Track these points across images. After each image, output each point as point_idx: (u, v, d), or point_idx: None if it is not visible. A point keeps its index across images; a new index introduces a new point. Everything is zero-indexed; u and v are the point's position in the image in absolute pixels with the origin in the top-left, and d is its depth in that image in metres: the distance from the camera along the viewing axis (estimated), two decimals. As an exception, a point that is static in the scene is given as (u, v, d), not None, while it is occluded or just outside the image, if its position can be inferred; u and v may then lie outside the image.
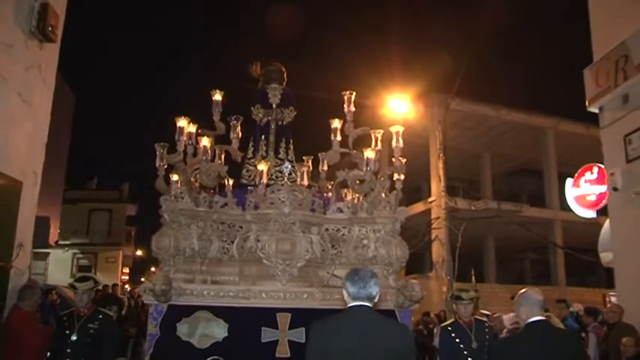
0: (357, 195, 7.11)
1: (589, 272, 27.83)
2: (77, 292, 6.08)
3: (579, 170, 13.88)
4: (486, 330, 6.18)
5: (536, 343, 3.93)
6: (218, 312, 6.25)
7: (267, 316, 6.20)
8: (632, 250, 9.15)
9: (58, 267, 30.15)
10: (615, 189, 9.46)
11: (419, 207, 22.84)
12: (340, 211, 6.75)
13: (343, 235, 6.72)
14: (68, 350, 5.84)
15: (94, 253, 34.45)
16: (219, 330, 6.22)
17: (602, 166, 10.87)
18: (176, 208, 6.47)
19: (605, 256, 10.71)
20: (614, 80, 9.25)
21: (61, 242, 27.99)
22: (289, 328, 6.17)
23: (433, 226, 21.26)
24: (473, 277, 17.16)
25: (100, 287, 10.84)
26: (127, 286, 27.03)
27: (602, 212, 12.06)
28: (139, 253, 42.09)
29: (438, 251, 21.03)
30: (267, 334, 6.16)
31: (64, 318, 6.07)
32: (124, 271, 37.54)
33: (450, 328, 6.22)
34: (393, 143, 6.80)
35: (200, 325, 6.27)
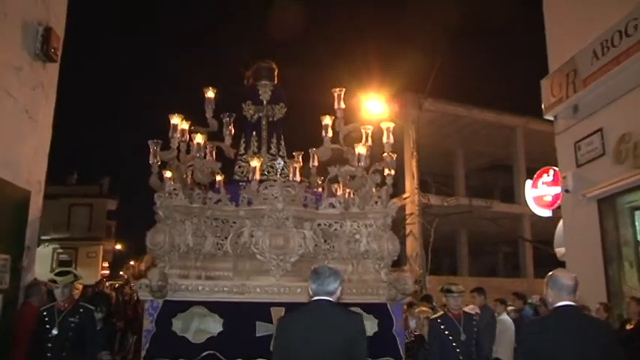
0: (348, 190, 7.01)
1: (557, 264, 28.13)
2: (58, 285, 5.90)
3: (537, 173, 14.30)
4: (474, 323, 6.19)
5: (564, 329, 3.66)
6: (213, 307, 6.13)
7: (261, 310, 6.09)
8: (581, 246, 9.69)
9: (39, 262, 29.37)
10: (567, 191, 10.02)
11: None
12: (332, 206, 6.64)
13: (335, 230, 6.61)
14: (49, 344, 5.70)
15: (74, 248, 33.84)
16: (214, 325, 6.11)
17: (558, 169, 11.30)
18: (170, 205, 6.30)
19: (559, 251, 11.29)
20: (565, 91, 9.84)
21: (41, 237, 27.41)
22: (284, 322, 6.06)
23: (407, 221, 21.32)
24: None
25: (84, 283, 10.61)
26: (114, 282, 26.58)
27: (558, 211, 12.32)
28: (118, 247, 41.55)
29: (412, 245, 21.09)
30: (261, 329, 6.05)
31: (44, 313, 5.89)
32: (104, 265, 36.97)
33: (439, 321, 6.22)
34: (384, 139, 6.71)
35: (195, 320, 6.16)
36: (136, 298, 15.92)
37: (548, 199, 13.52)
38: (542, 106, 10.79)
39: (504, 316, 9.42)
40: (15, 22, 7.60)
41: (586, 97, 9.51)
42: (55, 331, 5.74)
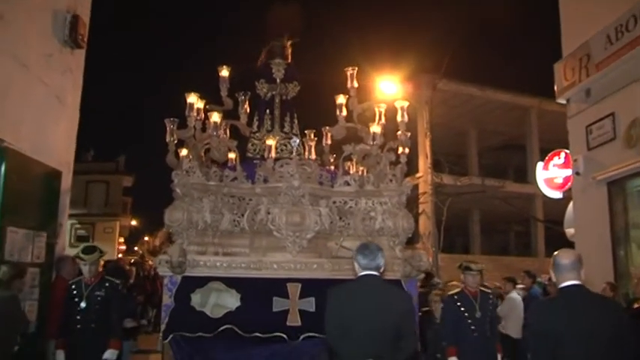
0: (362, 168, 7.01)
1: (568, 244, 28.01)
2: (85, 263, 6.01)
3: (549, 155, 14.36)
4: (490, 301, 6.19)
5: (572, 309, 3.64)
6: (230, 283, 6.19)
7: (277, 286, 6.15)
8: (590, 227, 9.77)
9: (58, 237, 29.84)
10: (578, 173, 10.06)
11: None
12: (347, 184, 6.65)
13: (351, 207, 6.63)
14: (78, 317, 5.86)
15: (91, 224, 34.08)
16: (231, 300, 6.16)
17: (569, 151, 11.34)
18: (188, 183, 6.35)
19: (569, 232, 11.45)
20: (578, 76, 9.85)
21: (62, 214, 27.63)
22: (299, 298, 6.12)
23: (420, 200, 21.29)
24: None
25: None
26: (130, 257, 26.80)
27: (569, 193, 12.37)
28: (133, 223, 41.84)
29: (425, 224, 21.07)
30: (278, 304, 6.10)
31: (72, 286, 6.05)
32: (120, 240, 37.28)
33: (455, 297, 6.22)
34: (398, 117, 6.70)
35: (213, 295, 6.21)
36: (153, 273, 16.15)
37: (559, 181, 13.62)
38: (555, 89, 10.79)
39: (514, 294, 9.50)
40: (46, 11, 7.86)
41: (598, 81, 9.50)
42: (83, 304, 5.88)
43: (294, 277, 6.17)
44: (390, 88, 18.24)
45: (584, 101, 10.02)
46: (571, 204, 11.23)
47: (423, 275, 6.44)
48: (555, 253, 3.90)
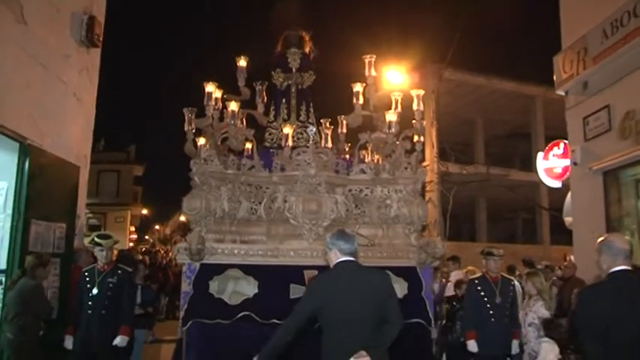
0: (377, 157, 6.96)
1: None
2: (103, 248, 6.08)
3: (549, 145, 14.55)
4: (511, 287, 6.15)
5: (624, 293, 3.53)
6: (248, 270, 6.19)
7: (294, 273, 6.13)
8: (587, 215, 10.01)
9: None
10: (575, 163, 10.33)
11: (414, 170, 22.77)
12: (363, 172, 6.61)
13: (366, 195, 6.59)
14: (90, 303, 5.92)
15: (103, 213, 34.07)
16: (249, 287, 6.17)
17: (567, 142, 11.53)
18: (206, 171, 6.33)
19: (568, 220, 11.69)
20: (576, 68, 10.05)
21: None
22: (317, 285, 6.08)
23: (427, 189, 21.22)
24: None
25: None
26: (141, 246, 26.89)
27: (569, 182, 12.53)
28: (144, 212, 41.91)
29: (431, 212, 20.98)
30: (295, 291, 6.08)
31: (85, 273, 6.12)
32: (131, 229, 37.35)
33: (476, 282, 6.20)
34: (414, 106, 6.64)
35: (231, 282, 6.23)
36: (165, 262, 16.23)
37: (559, 170, 13.70)
38: (555, 81, 10.95)
39: (514, 282, 9.49)
40: (64, 13, 8.14)
41: (595, 74, 9.65)
42: (95, 291, 5.94)
43: (311, 264, 6.12)
44: (396, 78, 18.21)
45: (581, 93, 10.23)
46: (569, 194, 11.45)
47: (438, 262, 6.38)
48: (606, 236, 3.80)
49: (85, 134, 9.03)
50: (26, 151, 6.97)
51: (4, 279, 6.73)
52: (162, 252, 20.88)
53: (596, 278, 7.43)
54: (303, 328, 3.99)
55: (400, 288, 6.08)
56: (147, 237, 44.99)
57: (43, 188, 7.17)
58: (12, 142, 6.89)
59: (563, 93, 10.84)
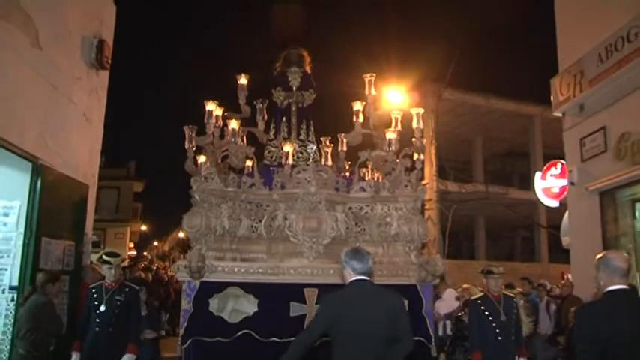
0: (377, 175, 6.96)
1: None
2: (111, 266, 6.05)
3: (546, 165, 14.67)
4: (514, 304, 6.09)
5: (620, 311, 3.49)
6: (248, 288, 6.16)
7: (295, 291, 6.11)
8: (584, 235, 10.05)
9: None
10: (572, 184, 10.43)
11: (413, 189, 22.78)
12: (363, 190, 6.60)
13: (366, 213, 6.58)
14: (97, 320, 5.87)
15: (102, 229, 33.80)
16: (249, 305, 6.14)
17: (565, 162, 11.64)
18: (206, 189, 6.33)
19: (565, 240, 11.73)
20: (572, 91, 10.21)
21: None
22: (316, 303, 6.02)
23: (426, 207, 21.21)
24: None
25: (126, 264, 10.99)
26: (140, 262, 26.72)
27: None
28: (143, 228, 41.79)
29: (430, 231, 20.96)
30: (295, 309, 6.06)
31: (93, 290, 6.07)
32: (130, 245, 37.19)
33: (479, 302, 6.13)
34: (414, 124, 6.65)
35: (231, 300, 6.20)
36: (166, 279, 16.15)
37: (556, 190, 13.80)
38: (552, 103, 11.08)
39: (516, 299, 9.53)
40: (76, 37, 8.47)
41: (591, 97, 9.80)
42: (102, 308, 5.88)
43: (311, 282, 6.11)
44: (396, 97, 18.27)
45: (578, 115, 10.34)
46: (567, 213, 11.48)
47: (438, 280, 6.34)
48: (604, 253, 3.75)
49: (93, 154, 9.29)
50: (39, 170, 7.17)
51: (16, 295, 6.91)
52: (161, 268, 20.76)
53: (593, 296, 7.45)
54: (314, 343, 3.97)
55: (401, 306, 6.07)
56: (145, 253, 44.77)
57: (53, 207, 7.37)
58: (25, 162, 7.11)
59: (560, 114, 10.95)
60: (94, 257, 7.19)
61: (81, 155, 8.73)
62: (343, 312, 3.88)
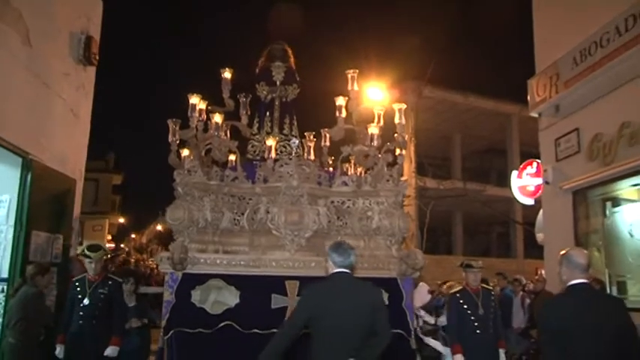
0: (359, 169, 7.00)
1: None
2: (91, 260, 6.05)
3: (522, 164, 15.05)
4: (492, 298, 6.18)
5: (580, 307, 3.70)
6: (230, 280, 6.15)
7: (276, 283, 6.12)
8: (558, 232, 10.24)
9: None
10: (547, 182, 10.58)
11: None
12: (345, 184, 6.63)
13: (348, 207, 6.61)
14: (80, 313, 5.90)
15: (81, 222, 33.49)
16: (231, 297, 6.13)
17: (540, 162, 11.84)
18: (189, 182, 6.31)
19: (539, 236, 11.94)
20: (548, 92, 10.35)
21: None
22: (298, 295, 6.03)
23: (404, 203, 21.32)
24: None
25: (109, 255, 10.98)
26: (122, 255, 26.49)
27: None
28: (121, 220, 41.43)
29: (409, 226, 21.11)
30: (276, 301, 6.07)
31: (76, 283, 6.09)
32: (108, 238, 36.81)
33: (458, 295, 6.22)
34: (396, 119, 6.70)
35: (213, 292, 6.18)
36: (149, 271, 16.12)
37: (531, 188, 14.14)
38: (529, 104, 11.23)
39: (494, 292, 9.75)
40: (64, 33, 8.55)
41: (566, 98, 9.96)
42: (86, 301, 5.92)
43: (293, 274, 6.12)
44: (376, 94, 18.34)
45: (553, 116, 10.49)
46: (541, 211, 11.68)
47: (418, 273, 6.40)
48: (567, 251, 3.92)
49: (80, 148, 9.44)
50: (29, 165, 7.32)
51: (6, 287, 7.06)
52: (140, 261, 20.65)
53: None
54: (297, 335, 3.99)
55: (381, 299, 6.13)
56: (122, 245, 44.36)
57: (42, 200, 7.55)
58: (15, 156, 7.25)
59: (536, 115, 11.12)
60: (78, 251, 7.16)
61: (68, 150, 8.84)
62: (323, 304, 3.94)
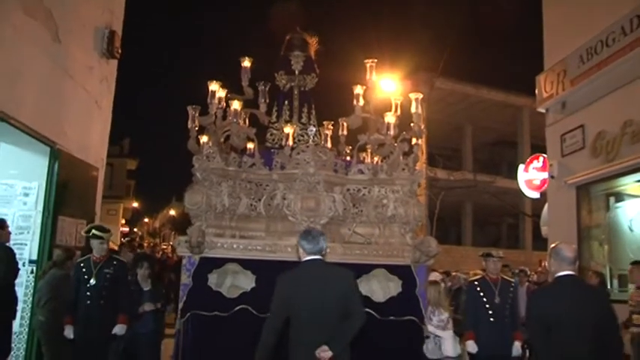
0: (376, 158, 6.99)
1: (554, 238, 28.06)
2: (103, 241, 6.06)
3: (529, 158, 15.00)
4: (511, 289, 6.13)
5: (565, 296, 3.91)
6: (246, 264, 6.18)
7: (291, 268, 6.11)
8: (562, 225, 10.41)
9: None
10: (552, 177, 10.76)
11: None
12: (361, 172, 6.62)
13: (364, 195, 6.60)
14: (88, 293, 5.88)
15: (97, 206, 33.67)
16: (247, 281, 6.18)
17: (546, 156, 11.99)
18: (208, 167, 6.33)
19: (545, 229, 12.13)
20: (556, 89, 10.46)
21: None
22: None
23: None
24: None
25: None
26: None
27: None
28: (135, 205, 41.66)
29: (419, 216, 21.07)
30: (291, 285, 6.07)
31: (81, 264, 6.06)
32: (122, 222, 37.02)
33: (476, 283, 6.19)
34: (412, 109, 6.68)
35: (229, 276, 6.23)
36: (165, 256, 16.24)
37: (537, 182, 14.06)
38: (537, 99, 11.36)
39: (514, 283, 9.73)
40: (89, 28, 8.86)
41: (572, 95, 10.05)
42: (92, 281, 5.89)
43: (308, 259, 6.13)
44: (389, 86, 18.29)
45: (560, 112, 10.61)
46: (546, 205, 11.86)
47: (432, 261, 6.39)
48: (556, 244, 4.12)
49: (102, 138, 9.74)
50: (56, 154, 7.64)
51: (35, 268, 7.41)
52: (149, 245, 20.77)
53: (589, 278, 7.65)
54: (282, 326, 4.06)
55: (395, 286, 6.14)
56: (135, 229, 44.52)
57: (68, 188, 7.88)
58: (44, 146, 7.55)
59: (544, 110, 11.23)
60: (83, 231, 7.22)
61: (92, 139, 9.19)
62: (295, 290, 4.04)
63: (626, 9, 8.52)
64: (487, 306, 5.94)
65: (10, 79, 6.66)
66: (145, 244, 20.54)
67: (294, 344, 4.01)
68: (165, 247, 22.88)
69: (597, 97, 9.33)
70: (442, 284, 8.26)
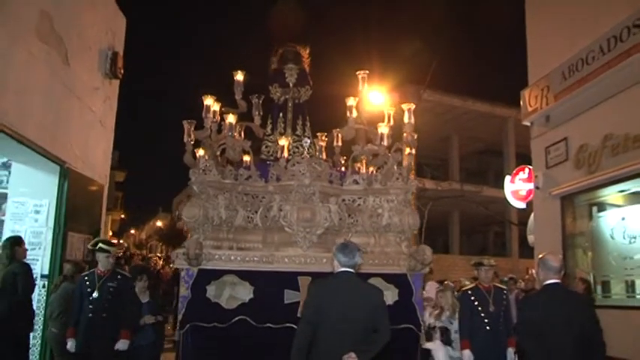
0: (370, 168, 7.03)
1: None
2: (109, 255, 6.08)
3: (515, 170, 15.37)
4: (504, 297, 6.18)
5: (551, 303, 4.15)
6: (244, 275, 6.19)
7: (289, 279, 6.15)
8: (547, 234, 10.54)
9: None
10: (537, 188, 10.88)
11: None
12: (356, 182, 6.65)
13: (359, 205, 6.63)
14: (90, 306, 5.88)
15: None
16: (245, 292, 6.17)
17: (532, 167, 12.12)
18: (204, 180, 6.35)
19: (530, 238, 12.24)
20: (540, 103, 10.65)
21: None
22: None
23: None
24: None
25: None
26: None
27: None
28: (122, 216, 41.43)
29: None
30: (289, 296, 6.11)
31: (85, 277, 6.10)
32: (110, 234, 36.69)
33: (469, 292, 6.23)
34: (405, 119, 6.74)
35: (227, 287, 6.22)
36: (159, 268, 16.14)
37: (523, 193, 14.36)
38: (522, 112, 11.51)
39: (507, 291, 9.86)
40: (94, 51, 9.16)
41: (556, 110, 10.24)
42: (95, 294, 5.89)
43: (305, 270, 6.15)
44: (377, 98, 18.40)
45: (544, 125, 10.76)
46: (532, 215, 11.97)
47: (427, 269, 6.43)
48: (543, 255, 4.39)
49: (106, 155, 10.05)
50: (65, 173, 7.94)
51: (46, 283, 7.66)
52: (143, 256, 20.62)
53: (575, 285, 7.78)
54: (313, 330, 4.06)
55: (391, 294, 6.15)
56: (121, 241, 44.18)
57: (76, 204, 8.16)
58: (54, 165, 7.81)
59: (529, 124, 11.42)
60: (89, 245, 7.24)
61: (97, 157, 9.49)
62: (327, 299, 4.07)
63: (604, 27, 8.75)
64: (482, 315, 5.97)
65: (24, 101, 6.87)
66: (133, 255, 20.37)
67: (316, 351, 4.03)
68: (156, 258, 22.70)
69: (579, 111, 9.56)
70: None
